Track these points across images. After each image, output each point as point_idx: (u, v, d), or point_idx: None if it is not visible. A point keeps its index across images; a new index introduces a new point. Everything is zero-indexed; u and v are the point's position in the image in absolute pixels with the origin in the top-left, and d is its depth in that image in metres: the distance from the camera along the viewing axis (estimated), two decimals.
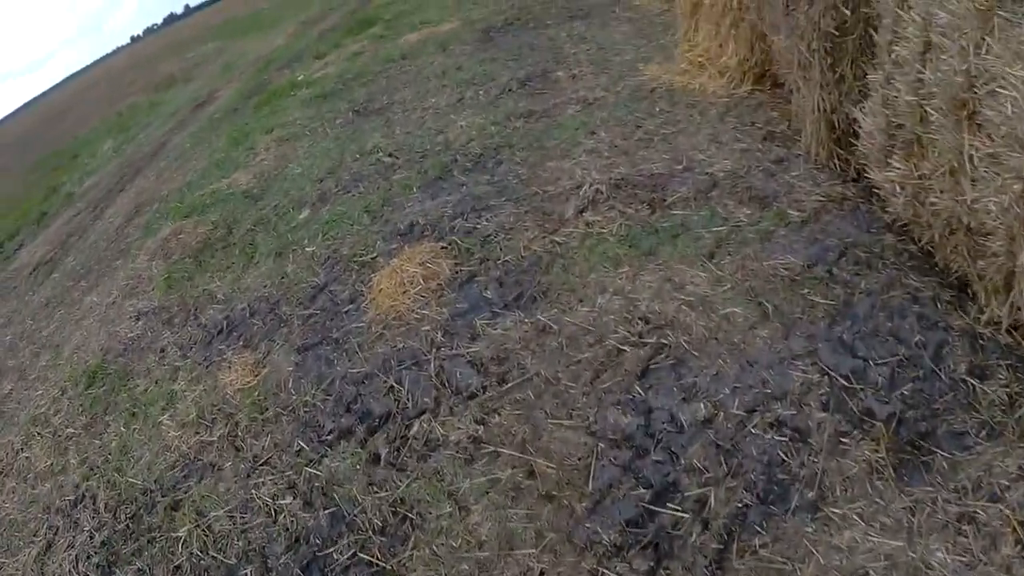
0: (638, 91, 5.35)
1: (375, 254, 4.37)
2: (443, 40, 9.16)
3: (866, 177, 3.16)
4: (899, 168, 2.77)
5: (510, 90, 6.19)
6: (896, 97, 2.71)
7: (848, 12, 3.18)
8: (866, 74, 3.08)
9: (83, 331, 5.55)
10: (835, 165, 3.59)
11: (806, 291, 2.89)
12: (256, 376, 3.75)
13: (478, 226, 4.19)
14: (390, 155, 5.81)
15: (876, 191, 3.12)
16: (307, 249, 4.85)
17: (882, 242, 3.01)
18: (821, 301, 2.82)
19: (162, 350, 4.50)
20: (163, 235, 6.72)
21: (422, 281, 3.83)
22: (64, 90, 77.97)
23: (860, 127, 3.05)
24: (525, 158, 4.81)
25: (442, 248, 4.09)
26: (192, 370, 4.11)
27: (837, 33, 3.27)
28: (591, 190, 4.10)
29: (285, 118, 8.46)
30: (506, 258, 3.79)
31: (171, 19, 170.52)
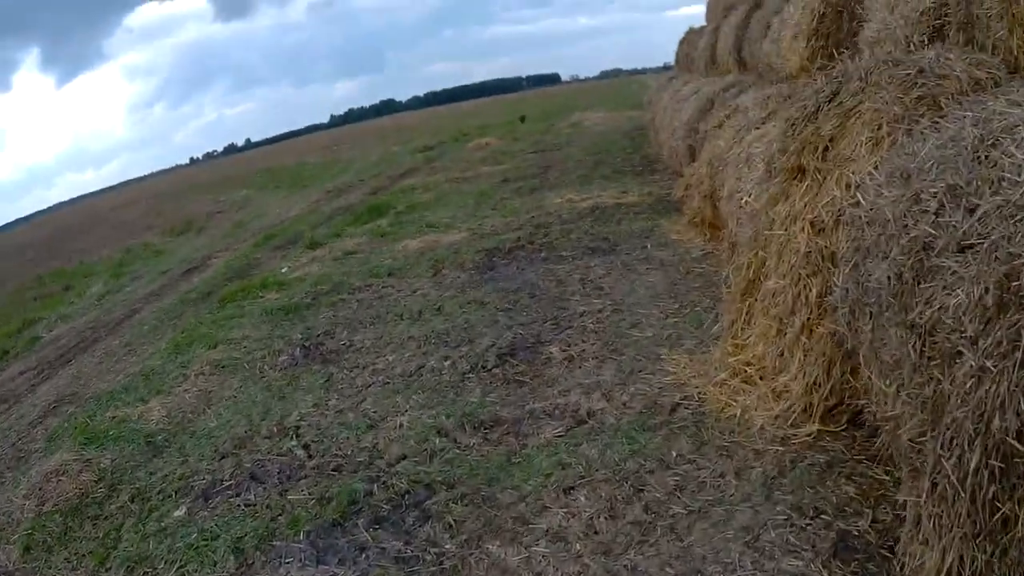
0: (653, 408, 3.84)
1: None
2: (440, 257, 7.95)
3: None
4: None
5: (483, 367, 4.75)
6: None
7: None
8: None
9: None
10: None
11: None
12: None
13: None
14: (304, 447, 4.33)
15: None
16: None
17: None
18: None
19: None
20: (51, 465, 5.35)
21: None
22: (102, 198, 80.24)
23: None
24: (461, 520, 3.26)
25: None
26: None
27: None
28: None
29: (236, 332, 7.13)
30: None
31: (230, 149, 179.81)
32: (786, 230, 3.21)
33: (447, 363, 4.91)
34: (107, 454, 5.21)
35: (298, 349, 6.17)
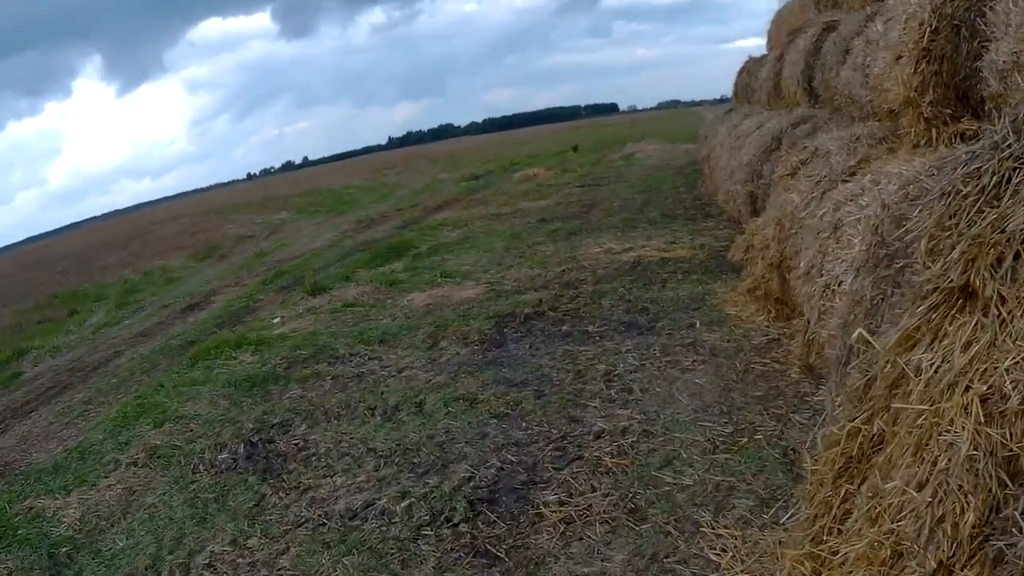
0: None
1: None
2: (445, 322, 6.60)
3: None
4: None
5: (448, 520, 3.34)
6: None
7: None
8: None
9: None
10: None
11: None
12: None
13: None
14: None
15: None
16: None
17: None
18: None
19: None
20: None
21: None
22: (154, 209, 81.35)
23: None
24: None
25: None
26: None
27: None
28: None
29: (191, 406, 5.90)
30: None
31: (288, 166, 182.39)
32: (932, 403, 1.77)
33: (402, 505, 3.51)
34: (8, 560, 4.30)
35: (243, 446, 4.87)
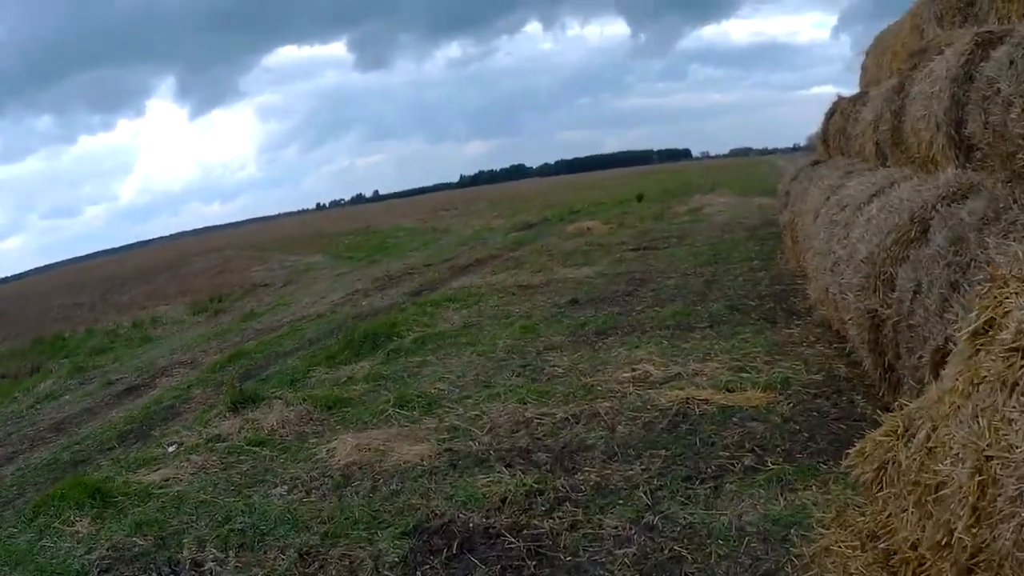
0: None
1: None
2: (338, 528, 3.94)
3: None
4: None
5: None
6: None
7: None
8: None
9: None
10: None
11: None
12: None
13: None
14: None
15: None
16: None
17: None
18: None
19: None
20: None
21: None
22: (205, 238, 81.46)
23: None
24: None
25: None
26: None
27: None
28: None
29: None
30: None
31: (358, 199, 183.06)
32: None
33: None
34: None
35: None
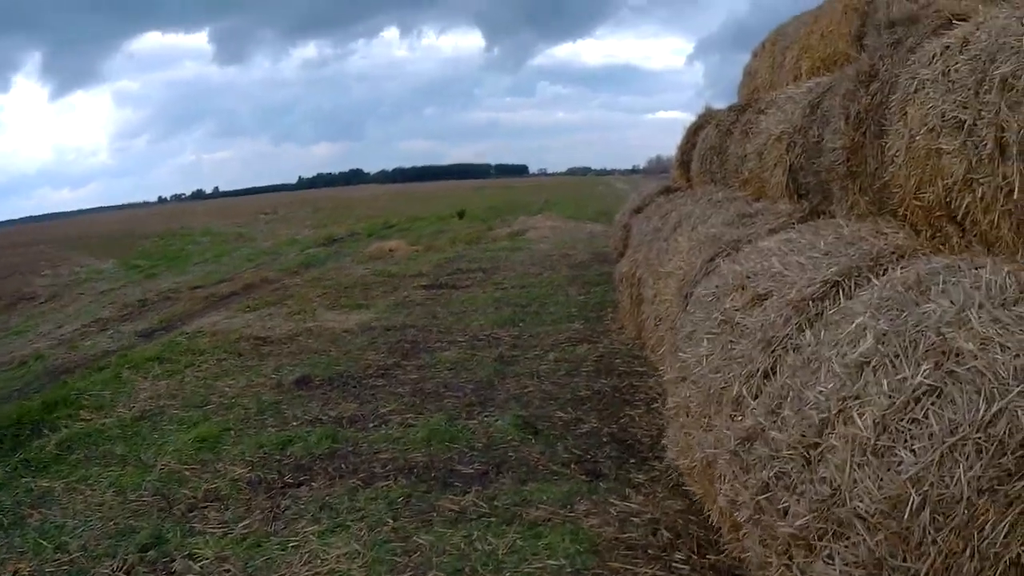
0: None
1: None
2: None
3: None
4: None
5: None
6: None
7: None
8: None
9: None
10: None
11: None
12: None
13: None
14: None
15: None
16: None
17: None
18: None
19: None
20: None
21: None
22: (44, 225, 73.22)
23: None
24: None
25: None
26: None
27: None
28: None
29: None
30: None
31: (198, 195, 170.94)
32: None
33: None
34: None
35: None
